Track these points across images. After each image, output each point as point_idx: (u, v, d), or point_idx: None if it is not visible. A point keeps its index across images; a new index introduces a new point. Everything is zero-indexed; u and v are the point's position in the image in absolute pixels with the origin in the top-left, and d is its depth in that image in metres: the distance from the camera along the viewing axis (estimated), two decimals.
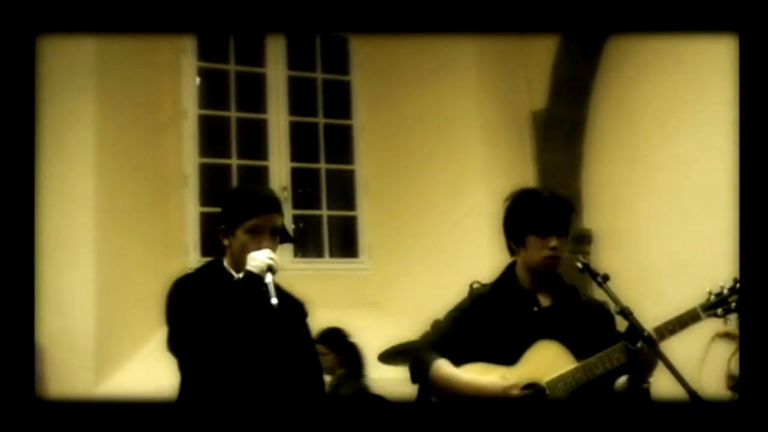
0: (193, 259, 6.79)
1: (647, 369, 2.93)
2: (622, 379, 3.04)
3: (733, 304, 2.98)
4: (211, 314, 2.86)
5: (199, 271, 3.17)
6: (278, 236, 3.07)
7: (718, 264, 4.84)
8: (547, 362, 3.06)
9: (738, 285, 2.98)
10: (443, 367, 3.11)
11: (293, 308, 3.13)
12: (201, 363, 2.91)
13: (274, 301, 2.82)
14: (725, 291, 3.01)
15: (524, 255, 3.20)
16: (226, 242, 3.08)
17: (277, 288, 2.91)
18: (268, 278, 2.89)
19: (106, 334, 6.21)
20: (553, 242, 3.12)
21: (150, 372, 5.48)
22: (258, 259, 2.92)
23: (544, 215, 3.15)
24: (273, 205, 3.09)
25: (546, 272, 3.18)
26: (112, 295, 6.29)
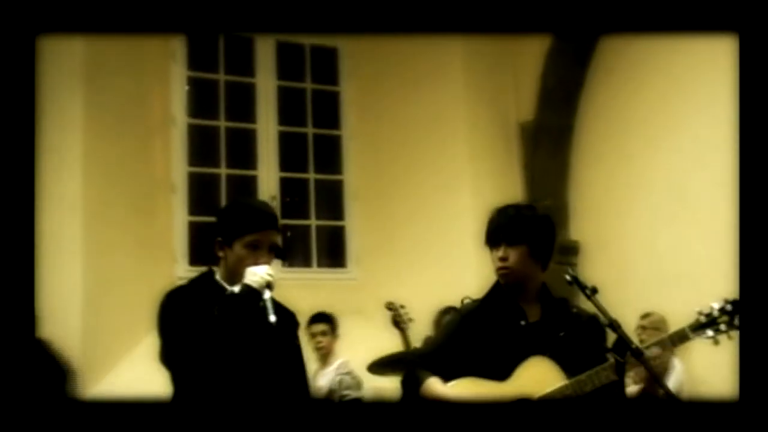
0: (180, 268, 6.78)
1: (658, 376, 2.94)
2: (635, 388, 3.05)
3: (723, 326, 2.98)
4: (204, 327, 2.86)
5: (192, 283, 3.16)
6: (273, 253, 3.08)
7: (706, 274, 4.89)
8: (537, 379, 3.07)
9: (728, 305, 2.99)
10: (434, 385, 3.12)
11: (286, 320, 3.13)
12: (194, 376, 2.90)
13: (272, 318, 2.83)
14: (715, 312, 3.00)
15: None
16: (221, 254, 3.08)
17: (272, 300, 2.92)
18: (267, 295, 2.91)
19: (93, 340, 6.18)
20: (501, 252, 3.13)
21: (135, 379, 5.48)
22: (258, 274, 2.93)
23: (491, 225, 3.18)
24: (273, 221, 3.11)
25: (508, 284, 3.17)
26: (98, 301, 6.27)
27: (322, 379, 5.81)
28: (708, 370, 4.80)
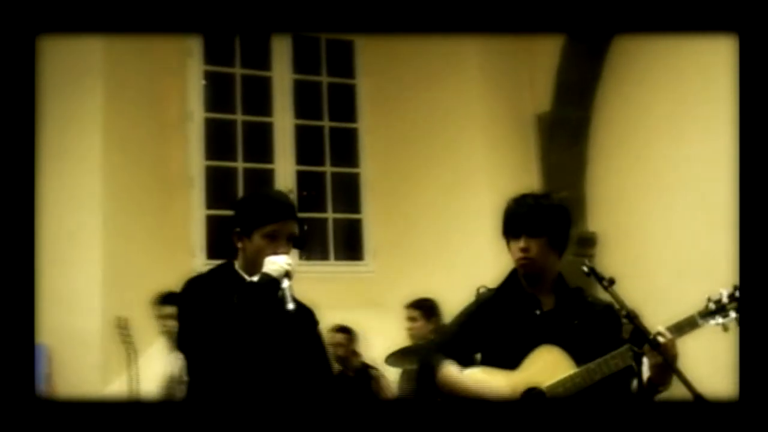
0: (198, 261, 6.83)
1: (664, 370, 2.94)
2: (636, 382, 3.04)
3: (732, 312, 2.97)
4: (223, 314, 2.89)
5: (212, 272, 3.19)
6: (292, 242, 3.11)
7: (722, 266, 4.86)
8: (547, 367, 3.08)
9: (737, 292, 2.98)
10: (450, 370, 3.14)
11: (305, 315, 3.16)
12: (211, 362, 2.93)
13: (290, 306, 2.87)
14: (724, 298, 3.00)
15: None
16: (240, 245, 3.12)
17: (291, 289, 2.95)
18: (285, 283, 2.94)
19: (114, 334, 6.22)
20: (522, 243, 3.13)
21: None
22: (277, 263, 2.96)
23: (512, 216, 3.18)
24: (291, 212, 3.14)
25: (527, 274, 3.18)
26: (118, 295, 6.32)
27: None
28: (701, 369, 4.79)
